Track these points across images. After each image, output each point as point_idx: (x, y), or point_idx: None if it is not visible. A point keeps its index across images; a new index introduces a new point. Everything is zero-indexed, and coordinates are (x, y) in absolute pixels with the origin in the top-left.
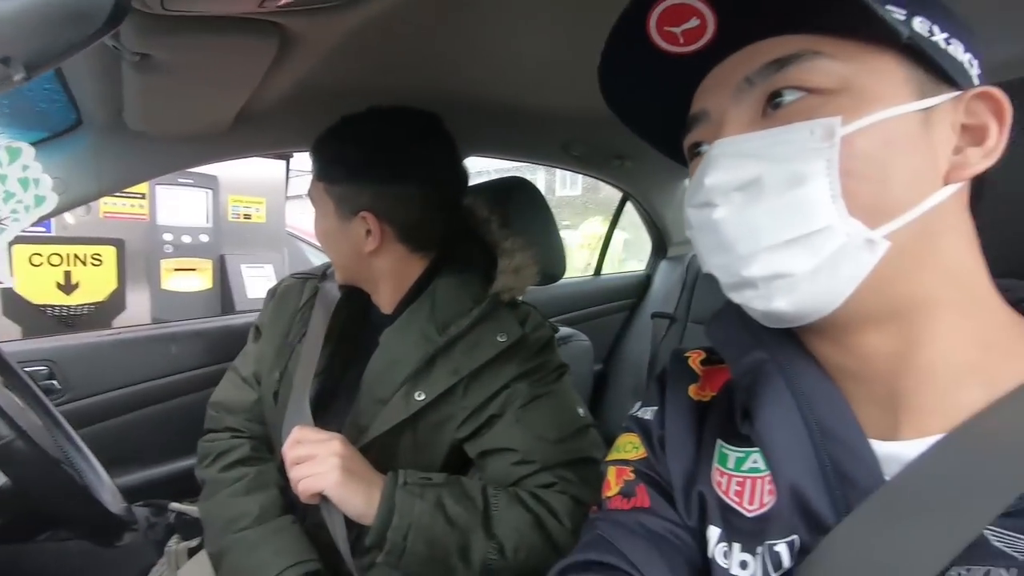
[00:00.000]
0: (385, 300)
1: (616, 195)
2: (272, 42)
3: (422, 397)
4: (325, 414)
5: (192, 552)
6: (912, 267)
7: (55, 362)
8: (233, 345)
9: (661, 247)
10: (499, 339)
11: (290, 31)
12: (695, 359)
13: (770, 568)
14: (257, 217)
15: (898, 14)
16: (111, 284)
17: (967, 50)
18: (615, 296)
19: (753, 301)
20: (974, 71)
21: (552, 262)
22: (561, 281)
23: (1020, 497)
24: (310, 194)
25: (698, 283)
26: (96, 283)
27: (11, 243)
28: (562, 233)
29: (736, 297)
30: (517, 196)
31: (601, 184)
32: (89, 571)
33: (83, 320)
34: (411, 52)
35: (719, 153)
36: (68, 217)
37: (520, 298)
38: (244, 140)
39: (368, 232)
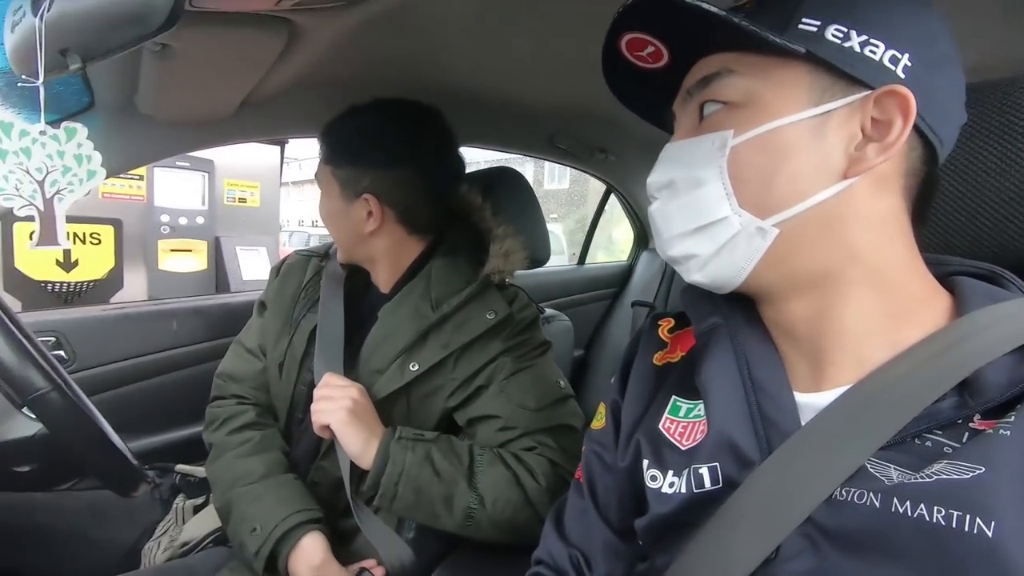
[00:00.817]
0: (383, 279)
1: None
2: (281, 36)
3: (416, 368)
4: None
5: (197, 509)
6: (808, 248)
7: (63, 333)
8: (230, 322)
9: (642, 238)
10: (488, 316)
11: (297, 26)
12: (664, 328)
13: (693, 486)
14: (252, 201)
15: (810, 27)
16: (109, 263)
17: (889, 48)
18: (598, 285)
19: (682, 273)
20: (899, 66)
21: (537, 247)
22: (547, 269)
23: (896, 434)
24: (317, 176)
25: (676, 274)
26: (95, 261)
27: (13, 221)
28: (550, 226)
29: (675, 269)
30: (503, 184)
31: (589, 178)
32: (99, 525)
33: (82, 297)
34: (406, 47)
35: (662, 156)
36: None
37: (509, 280)
38: (246, 126)
39: (369, 214)
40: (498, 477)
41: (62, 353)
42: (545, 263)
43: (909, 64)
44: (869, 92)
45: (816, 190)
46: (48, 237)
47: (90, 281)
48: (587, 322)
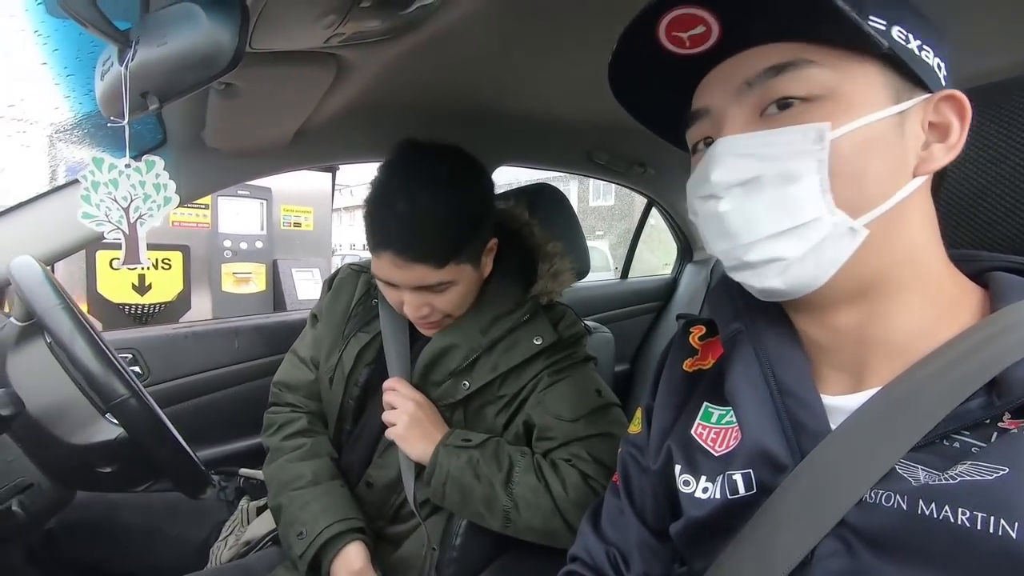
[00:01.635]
0: None
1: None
2: (330, 70)
3: (467, 386)
4: (377, 390)
5: (260, 511)
6: (882, 250)
7: (138, 350)
8: (288, 338)
9: (687, 252)
10: (535, 342)
11: (345, 60)
12: (695, 335)
13: (727, 491)
14: (306, 225)
15: (879, 24)
16: (178, 286)
17: (936, 55)
18: (642, 298)
19: (751, 279)
20: (942, 74)
21: (577, 261)
22: (589, 283)
23: (926, 435)
24: (435, 284)
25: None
26: (166, 285)
27: (96, 249)
28: (594, 243)
29: (736, 276)
30: (542, 199)
31: (635, 193)
32: (173, 523)
33: (154, 318)
34: (445, 72)
35: (723, 151)
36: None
37: (556, 299)
38: (301, 154)
39: (489, 251)
40: (531, 485)
41: (138, 368)
42: (584, 276)
43: (946, 73)
44: (930, 95)
45: (897, 188)
46: (132, 257)
47: (161, 303)
48: (632, 336)
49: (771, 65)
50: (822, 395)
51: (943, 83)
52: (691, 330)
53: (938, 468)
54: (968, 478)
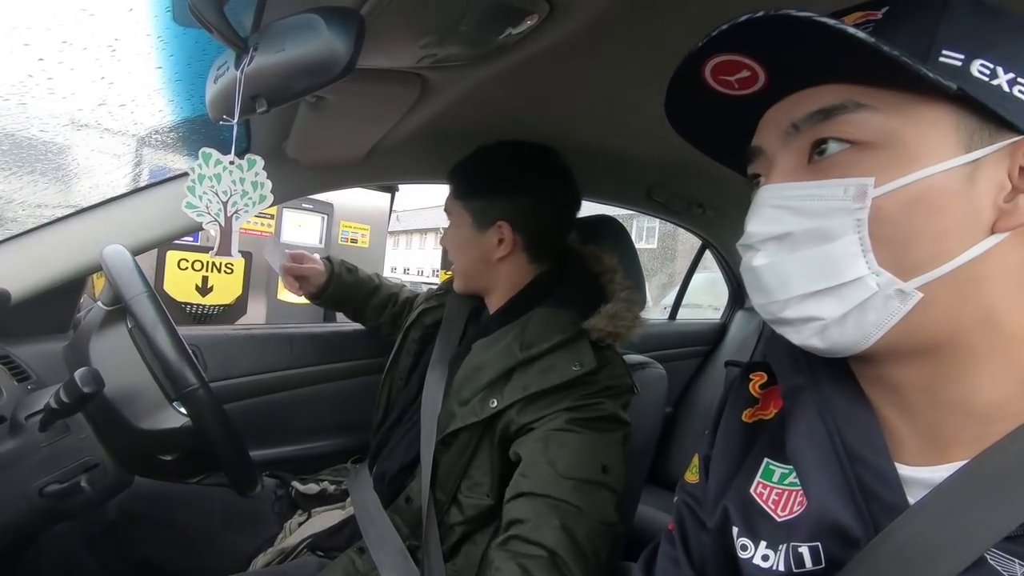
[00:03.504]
0: (495, 303)
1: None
2: (415, 89)
3: (495, 404)
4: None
5: (302, 523)
6: (946, 314)
7: (197, 347)
8: (341, 348)
9: (739, 297)
10: (573, 368)
11: (429, 80)
12: (756, 383)
13: (792, 565)
14: (362, 242)
15: (954, 60)
16: (237, 290)
17: None
18: (689, 341)
19: (790, 335)
20: None
21: None
22: None
23: (1022, 524)
24: (447, 209)
25: (775, 334)
26: (226, 288)
27: (166, 248)
28: None
29: (777, 329)
30: (604, 232)
31: (678, 236)
32: (226, 529)
33: (212, 320)
34: (520, 100)
35: (763, 200)
36: (211, 230)
37: (611, 343)
38: (371, 171)
39: (500, 241)
40: None
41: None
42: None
43: None
44: (1019, 137)
45: (964, 247)
46: (225, 248)
47: (221, 305)
48: (678, 379)
49: (819, 108)
50: (897, 464)
51: None
52: (751, 377)
53: None
54: None
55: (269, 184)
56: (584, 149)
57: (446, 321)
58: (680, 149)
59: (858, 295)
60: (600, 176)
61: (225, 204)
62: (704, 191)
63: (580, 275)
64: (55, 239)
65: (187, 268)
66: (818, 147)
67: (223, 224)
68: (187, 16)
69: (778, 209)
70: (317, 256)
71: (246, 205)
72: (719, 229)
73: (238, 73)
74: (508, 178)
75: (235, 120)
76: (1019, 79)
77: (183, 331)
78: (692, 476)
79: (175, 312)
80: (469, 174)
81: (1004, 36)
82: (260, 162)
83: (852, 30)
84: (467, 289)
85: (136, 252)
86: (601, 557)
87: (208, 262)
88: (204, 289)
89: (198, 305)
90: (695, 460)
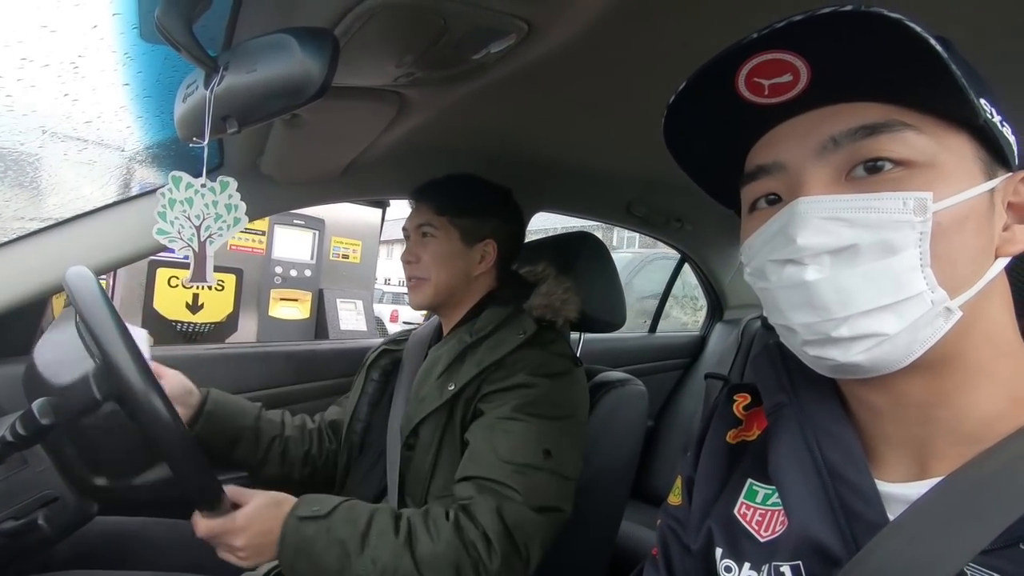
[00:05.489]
0: (454, 318)
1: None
2: (393, 106)
3: (452, 387)
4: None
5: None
6: (967, 332)
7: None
8: (318, 368)
9: (717, 309)
10: (519, 336)
11: (408, 98)
12: (740, 404)
13: None
14: (353, 258)
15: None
16: (228, 307)
17: (1013, 132)
18: (669, 354)
19: (832, 354)
20: (1016, 151)
21: (613, 311)
22: (618, 335)
23: (999, 536)
24: (424, 224)
25: (754, 346)
26: (217, 305)
27: (157, 265)
28: None
29: (813, 351)
30: (583, 248)
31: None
32: (193, 569)
33: (203, 337)
34: (499, 119)
35: (807, 211)
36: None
37: (553, 320)
38: (347, 187)
39: (482, 257)
40: (389, 545)
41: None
42: (621, 326)
43: (1020, 151)
44: (1012, 174)
45: (985, 269)
46: (199, 275)
47: (211, 323)
48: (658, 392)
49: (864, 124)
50: (877, 481)
51: (1018, 161)
52: (735, 398)
53: None
54: None
55: (243, 206)
56: (563, 165)
57: (407, 353)
58: (659, 165)
59: (915, 311)
60: (579, 191)
61: (198, 228)
62: (683, 206)
63: (521, 283)
64: (14, 258)
65: (177, 286)
66: (862, 163)
67: (196, 249)
68: (155, 33)
69: (831, 221)
70: (182, 380)
71: (220, 228)
72: (698, 243)
73: (207, 93)
74: (496, 202)
75: (205, 141)
76: (1004, 121)
77: (153, 351)
78: (675, 498)
79: (165, 330)
80: (459, 192)
81: (990, 85)
82: (233, 184)
83: (936, 44)
84: (434, 302)
85: (100, 272)
86: (531, 547)
87: None
88: (195, 307)
89: (189, 323)
90: (678, 482)
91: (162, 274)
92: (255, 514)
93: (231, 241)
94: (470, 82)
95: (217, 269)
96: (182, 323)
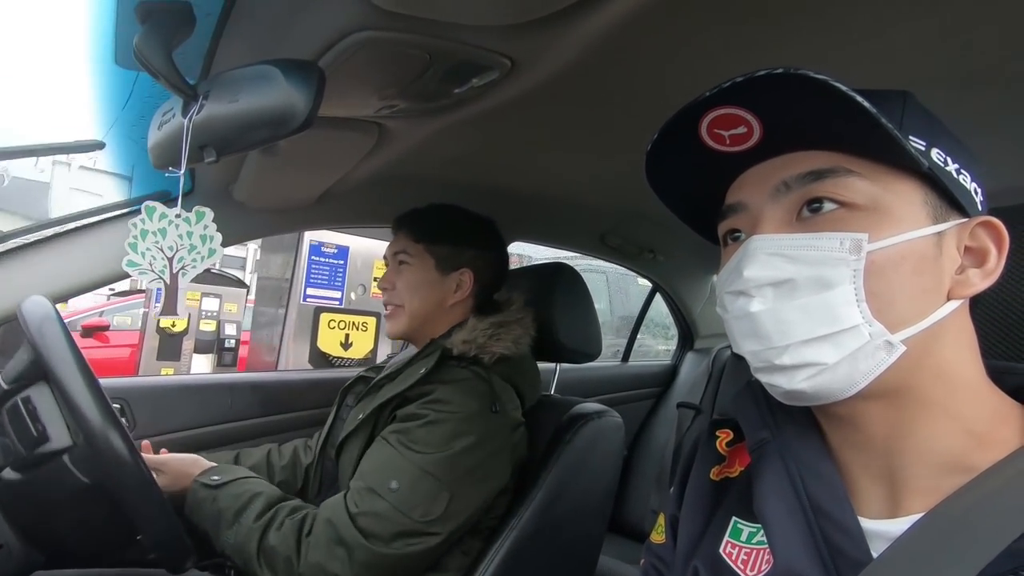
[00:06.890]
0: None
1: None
2: (372, 136)
3: (360, 416)
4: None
5: None
6: (914, 367)
7: (127, 400)
8: (285, 398)
9: (688, 339)
10: (421, 371)
11: (387, 129)
12: (723, 441)
13: None
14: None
15: (919, 144)
16: (369, 346)
17: (973, 180)
18: (642, 383)
19: (779, 381)
20: (978, 199)
21: (589, 341)
22: (590, 365)
23: (981, 573)
24: (400, 251)
25: (724, 375)
26: (361, 344)
27: (321, 310)
28: None
29: (763, 378)
30: (559, 279)
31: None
32: None
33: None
34: (476, 151)
35: (757, 248)
36: (352, 295)
37: (484, 358)
38: (323, 215)
39: (458, 287)
40: (248, 525)
41: (124, 420)
42: (596, 357)
43: (982, 199)
44: (967, 219)
45: (932, 309)
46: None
47: (355, 359)
48: (631, 422)
49: (812, 170)
50: (860, 518)
51: (979, 208)
52: (718, 435)
53: None
54: None
55: (219, 237)
56: (540, 196)
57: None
58: (633, 197)
59: (853, 343)
60: (555, 222)
61: (171, 260)
62: (656, 238)
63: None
64: None
65: (335, 327)
66: (811, 204)
67: (168, 282)
68: (131, 60)
69: (775, 256)
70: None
71: (193, 260)
72: (670, 274)
73: (185, 121)
74: (475, 231)
75: (181, 170)
76: (962, 169)
77: (110, 382)
78: (658, 537)
79: (324, 364)
80: (436, 220)
81: (944, 134)
82: (209, 214)
83: (862, 100)
84: (407, 331)
85: (58, 300)
86: (352, 564)
87: (350, 321)
88: (346, 345)
89: (340, 358)
90: (661, 520)
91: (324, 317)
92: (173, 463)
93: (374, 288)
94: (450, 114)
95: (362, 313)
96: (336, 358)
